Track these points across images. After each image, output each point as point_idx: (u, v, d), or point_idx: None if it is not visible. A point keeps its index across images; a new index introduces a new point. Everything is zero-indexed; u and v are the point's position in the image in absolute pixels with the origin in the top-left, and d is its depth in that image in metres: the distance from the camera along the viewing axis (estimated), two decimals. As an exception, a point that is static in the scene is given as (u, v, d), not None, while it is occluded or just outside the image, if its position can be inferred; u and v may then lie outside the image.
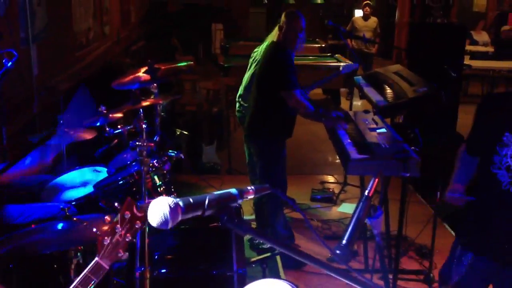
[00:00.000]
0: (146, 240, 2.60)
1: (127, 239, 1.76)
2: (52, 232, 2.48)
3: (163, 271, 2.80)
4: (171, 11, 12.07)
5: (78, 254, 2.34)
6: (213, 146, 6.23)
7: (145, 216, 1.74)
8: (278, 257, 3.96)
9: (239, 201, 1.28)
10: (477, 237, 2.57)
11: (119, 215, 1.77)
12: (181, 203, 1.15)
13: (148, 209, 1.16)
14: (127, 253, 1.81)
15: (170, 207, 1.14)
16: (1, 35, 3.46)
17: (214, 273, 2.83)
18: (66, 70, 5.74)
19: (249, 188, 1.29)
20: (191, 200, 1.18)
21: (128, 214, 1.77)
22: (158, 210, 1.15)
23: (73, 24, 6.21)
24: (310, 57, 8.14)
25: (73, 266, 2.33)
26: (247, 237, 3.94)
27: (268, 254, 3.33)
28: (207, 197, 1.20)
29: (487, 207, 2.52)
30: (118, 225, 1.76)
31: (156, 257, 2.86)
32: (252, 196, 1.29)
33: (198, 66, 10.47)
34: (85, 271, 1.74)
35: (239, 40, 10.06)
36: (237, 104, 4.78)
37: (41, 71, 4.98)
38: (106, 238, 1.75)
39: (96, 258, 1.75)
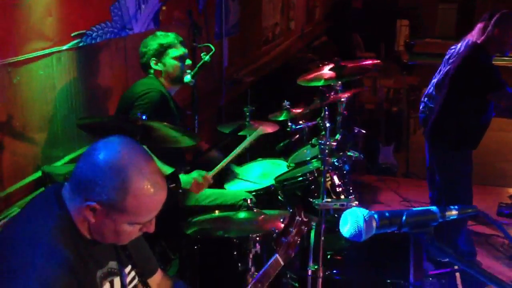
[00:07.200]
0: (322, 239, 2.58)
1: (297, 241, 1.99)
2: (234, 220, 2.59)
3: (334, 271, 2.77)
4: (355, 7, 11.93)
5: (257, 244, 2.41)
6: (391, 147, 6.01)
7: (310, 222, 2.09)
8: (457, 274, 3.68)
9: (440, 221, 1.16)
10: None
11: (291, 219, 2.00)
12: (376, 217, 1.09)
13: (341, 217, 1.11)
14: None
15: (365, 220, 1.08)
16: (200, 30, 3.70)
17: (387, 281, 2.72)
18: (252, 64, 6.00)
19: (452, 207, 1.17)
20: (387, 214, 1.10)
21: (298, 219, 1.99)
22: (352, 221, 1.09)
23: (262, 20, 6.46)
24: (507, 58, 7.42)
25: (250, 255, 2.40)
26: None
27: (447, 270, 3.10)
28: (405, 213, 1.12)
29: None
30: (292, 228, 1.97)
31: (328, 257, 2.83)
32: (455, 217, 1.17)
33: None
34: (266, 266, 1.89)
35: (426, 37, 9.60)
36: (422, 104, 4.50)
37: (230, 64, 5.26)
38: (283, 237, 1.95)
39: (276, 255, 1.91)
